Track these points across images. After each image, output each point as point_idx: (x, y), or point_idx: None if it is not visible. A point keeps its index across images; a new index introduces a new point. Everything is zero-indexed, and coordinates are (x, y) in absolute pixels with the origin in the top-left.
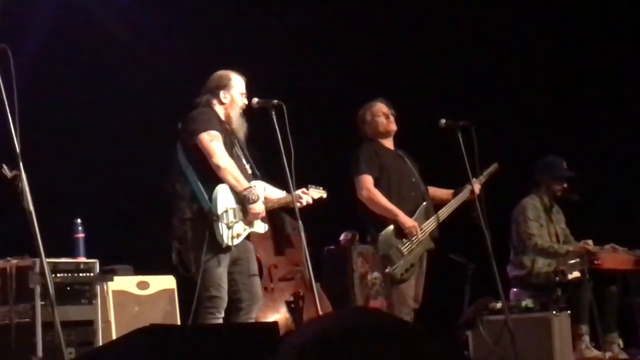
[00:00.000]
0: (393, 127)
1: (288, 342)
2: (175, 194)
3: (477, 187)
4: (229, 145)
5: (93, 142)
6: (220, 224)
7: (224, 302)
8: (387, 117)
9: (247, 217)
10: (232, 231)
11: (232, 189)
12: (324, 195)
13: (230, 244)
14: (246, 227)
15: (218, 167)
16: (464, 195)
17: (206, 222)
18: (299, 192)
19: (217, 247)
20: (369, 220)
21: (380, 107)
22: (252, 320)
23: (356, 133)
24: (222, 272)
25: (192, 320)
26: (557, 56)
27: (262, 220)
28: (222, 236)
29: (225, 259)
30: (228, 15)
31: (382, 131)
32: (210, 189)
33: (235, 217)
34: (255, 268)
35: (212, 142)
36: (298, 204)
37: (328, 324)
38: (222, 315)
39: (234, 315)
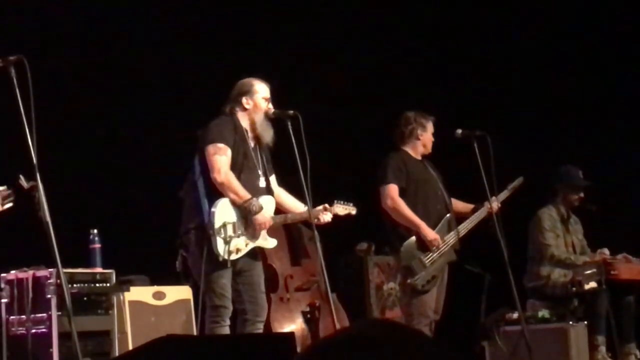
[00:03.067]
0: (430, 150)
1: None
2: (185, 202)
3: (495, 204)
4: (242, 156)
5: (109, 153)
6: (217, 238)
7: (229, 311)
8: (432, 141)
9: (249, 230)
10: (230, 246)
11: (233, 203)
12: (353, 212)
13: (227, 257)
14: (249, 242)
15: (216, 181)
16: (483, 212)
17: (205, 234)
18: (321, 207)
19: (216, 260)
20: (393, 230)
21: (431, 127)
22: (259, 331)
23: (395, 128)
24: (224, 283)
25: (199, 329)
26: (573, 65)
27: (271, 235)
28: (218, 250)
29: (227, 271)
30: (248, 25)
31: (422, 147)
32: (213, 201)
33: (234, 231)
34: (262, 286)
35: (215, 155)
36: (316, 221)
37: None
38: (228, 323)
39: (241, 327)
